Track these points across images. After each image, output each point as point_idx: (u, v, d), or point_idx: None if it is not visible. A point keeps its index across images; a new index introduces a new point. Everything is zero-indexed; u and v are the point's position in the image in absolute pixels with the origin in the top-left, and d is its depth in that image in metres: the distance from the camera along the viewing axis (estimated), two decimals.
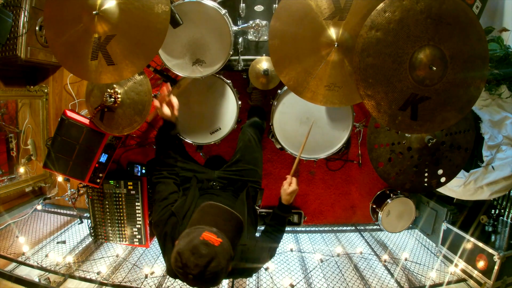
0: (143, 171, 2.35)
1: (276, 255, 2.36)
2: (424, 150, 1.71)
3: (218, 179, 1.58)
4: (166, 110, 1.37)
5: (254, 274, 2.16)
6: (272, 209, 1.50)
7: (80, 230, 2.61)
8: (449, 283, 2.13)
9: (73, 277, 2.03)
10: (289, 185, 1.43)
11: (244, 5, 1.84)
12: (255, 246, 1.25)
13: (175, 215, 1.23)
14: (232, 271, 1.11)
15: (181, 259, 0.94)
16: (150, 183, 2.36)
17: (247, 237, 1.26)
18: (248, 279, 2.12)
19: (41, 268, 2.08)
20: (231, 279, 2.11)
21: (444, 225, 2.38)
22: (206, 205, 1.09)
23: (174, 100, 1.38)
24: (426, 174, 1.75)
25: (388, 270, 2.24)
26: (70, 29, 1.38)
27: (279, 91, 1.92)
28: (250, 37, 1.90)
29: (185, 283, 1.02)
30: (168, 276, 2.09)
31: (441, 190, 2.24)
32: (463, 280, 2.14)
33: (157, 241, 1.37)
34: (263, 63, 1.86)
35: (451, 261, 2.29)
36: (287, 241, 2.59)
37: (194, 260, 0.92)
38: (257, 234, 1.50)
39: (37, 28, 2.24)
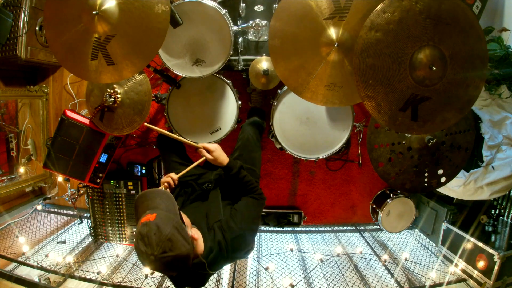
0: (143, 171, 2.35)
1: (276, 255, 2.37)
2: (424, 150, 1.71)
3: (214, 180, 1.58)
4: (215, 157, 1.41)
5: (255, 274, 2.16)
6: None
7: (80, 230, 2.61)
8: (449, 283, 2.13)
9: (73, 277, 2.03)
10: (209, 153, 1.40)
11: (244, 5, 1.84)
12: (233, 216, 1.25)
13: None
14: (222, 248, 1.14)
15: (139, 253, 0.97)
16: (150, 183, 2.36)
17: (222, 213, 1.28)
18: (248, 279, 2.12)
19: (41, 268, 2.08)
20: (231, 279, 2.11)
21: (444, 225, 2.38)
22: (135, 202, 1.13)
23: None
24: (426, 174, 1.75)
25: (388, 270, 2.24)
26: (70, 29, 1.38)
27: (279, 91, 1.92)
28: (250, 37, 1.90)
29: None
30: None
31: (441, 190, 2.24)
32: (463, 280, 2.14)
33: None
34: (263, 63, 1.86)
35: (451, 261, 2.29)
36: (287, 241, 2.59)
37: (143, 243, 0.94)
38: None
39: (37, 28, 2.24)
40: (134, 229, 2.30)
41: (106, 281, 2.02)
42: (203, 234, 1.19)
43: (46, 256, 2.22)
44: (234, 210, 1.28)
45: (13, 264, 2.09)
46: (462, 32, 1.19)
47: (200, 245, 1.13)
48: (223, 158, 1.41)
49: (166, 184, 1.39)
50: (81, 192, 2.43)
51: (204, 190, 1.50)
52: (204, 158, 1.43)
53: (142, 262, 0.99)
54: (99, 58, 1.40)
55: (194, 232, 1.13)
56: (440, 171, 1.74)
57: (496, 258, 1.93)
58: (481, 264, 2.04)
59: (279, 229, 2.74)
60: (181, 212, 1.11)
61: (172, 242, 0.95)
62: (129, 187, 2.26)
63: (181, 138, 1.50)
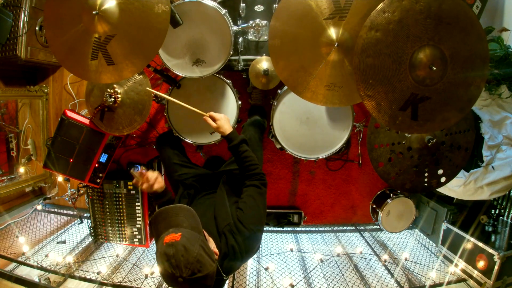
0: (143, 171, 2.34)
1: (276, 255, 2.37)
2: (424, 150, 1.71)
3: (218, 177, 1.59)
4: (153, 187, 1.38)
5: (255, 274, 2.16)
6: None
7: (80, 230, 2.61)
8: (449, 283, 2.13)
9: (73, 277, 2.03)
10: (214, 121, 1.41)
11: (244, 5, 1.84)
12: (240, 217, 1.23)
13: None
14: (235, 250, 1.13)
15: (165, 273, 0.94)
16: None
17: (230, 214, 1.25)
18: (248, 279, 2.12)
19: (41, 268, 2.08)
20: (231, 279, 2.11)
21: (444, 225, 2.38)
22: (153, 217, 1.09)
23: (152, 176, 1.37)
24: (426, 174, 1.75)
25: (388, 270, 2.24)
26: (70, 29, 1.38)
27: (279, 91, 1.92)
28: (250, 37, 1.90)
29: None
30: None
31: (441, 190, 2.24)
32: (463, 280, 2.14)
33: None
34: (263, 63, 1.86)
35: (451, 261, 2.29)
36: (287, 241, 2.59)
37: (171, 264, 0.91)
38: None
39: (37, 28, 2.24)
40: (134, 229, 2.31)
41: (106, 281, 2.02)
42: (215, 240, 1.17)
43: (46, 256, 2.22)
44: (241, 211, 1.24)
45: (13, 264, 2.09)
46: (463, 32, 1.19)
47: (216, 253, 1.12)
48: (226, 128, 1.40)
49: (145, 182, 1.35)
50: (81, 192, 2.43)
51: (207, 191, 1.50)
52: None
53: (168, 283, 0.96)
54: (99, 58, 1.40)
55: (213, 245, 1.12)
56: (440, 171, 1.74)
57: (496, 258, 1.93)
58: (481, 264, 2.04)
59: (279, 229, 2.74)
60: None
61: (201, 263, 0.93)
62: (129, 187, 2.26)
63: (187, 106, 1.44)
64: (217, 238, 1.18)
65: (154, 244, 1.43)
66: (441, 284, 2.12)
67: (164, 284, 2.03)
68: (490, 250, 1.98)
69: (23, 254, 2.20)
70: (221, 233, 1.19)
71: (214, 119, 1.40)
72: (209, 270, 0.96)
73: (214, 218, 1.27)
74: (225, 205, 1.32)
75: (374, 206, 2.64)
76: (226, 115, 1.93)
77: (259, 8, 1.86)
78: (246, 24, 1.84)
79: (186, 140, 1.94)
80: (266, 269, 2.18)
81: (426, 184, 1.76)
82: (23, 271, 2.04)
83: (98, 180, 2.18)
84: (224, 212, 1.28)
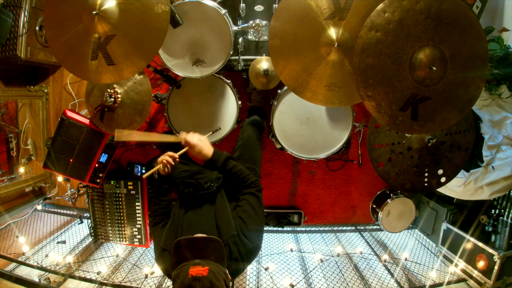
0: (143, 171, 2.35)
1: (276, 255, 2.37)
2: (424, 150, 1.71)
3: (216, 180, 1.58)
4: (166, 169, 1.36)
5: (255, 275, 2.16)
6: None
7: (80, 230, 2.61)
8: (449, 283, 2.13)
9: (73, 277, 2.03)
10: (192, 136, 1.35)
11: (244, 5, 1.84)
12: (243, 228, 1.24)
13: (167, 250, 1.24)
14: (239, 261, 1.15)
15: None
16: (150, 183, 2.36)
17: (234, 225, 1.25)
18: (248, 279, 2.12)
19: (41, 268, 2.08)
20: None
21: (444, 225, 2.38)
22: (177, 243, 1.07)
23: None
24: (426, 174, 1.75)
25: (388, 270, 2.24)
26: (70, 29, 1.38)
27: (279, 91, 1.92)
28: (250, 37, 1.90)
29: None
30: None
31: (441, 190, 2.24)
32: (463, 280, 2.14)
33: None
34: (263, 63, 1.86)
35: (451, 261, 2.29)
36: (287, 241, 2.59)
37: None
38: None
39: (37, 28, 2.24)
40: (134, 229, 2.31)
41: (106, 281, 2.02)
42: None
43: (46, 256, 2.21)
44: (242, 222, 1.25)
45: (13, 264, 2.09)
46: (463, 32, 1.19)
47: (230, 279, 1.12)
48: (207, 150, 1.32)
49: (165, 161, 1.32)
50: (81, 192, 2.43)
51: (207, 191, 1.48)
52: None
53: None
54: (99, 58, 1.40)
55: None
56: (440, 171, 1.74)
57: (496, 258, 1.93)
58: (481, 264, 2.04)
59: (279, 229, 2.74)
60: None
61: None
62: (129, 187, 2.26)
63: (154, 169, 1.38)
64: None
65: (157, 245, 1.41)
66: (441, 284, 2.12)
67: (164, 284, 2.04)
68: (490, 250, 1.98)
69: (23, 254, 2.20)
70: (225, 244, 1.18)
71: (190, 146, 1.32)
72: None
73: (216, 226, 1.27)
74: (227, 213, 1.30)
75: (374, 206, 2.64)
76: (226, 115, 1.95)
77: (259, 8, 1.86)
78: (246, 24, 1.84)
79: None
80: (266, 269, 2.18)
81: (426, 184, 1.76)
82: (23, 271, 2.04)
83: (98, 180, 2.18)
84: (227, 221, 1.27)
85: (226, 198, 1.39)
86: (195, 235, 1.10)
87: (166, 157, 1.31)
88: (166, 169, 1.34)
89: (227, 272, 1.03)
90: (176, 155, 1.32)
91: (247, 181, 1.36)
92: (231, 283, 1.11)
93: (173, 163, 1.33)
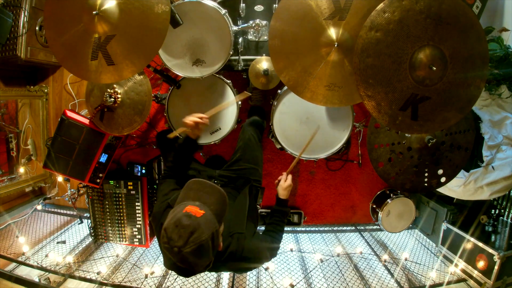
0: (143, 171, 2.34)
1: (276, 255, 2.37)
2: (424, 150, 1.71)
3: (219, 177, 1.58)
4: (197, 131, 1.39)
5: (255, 275, 2.16)
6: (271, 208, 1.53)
7: (80, 230, 2.61)
8: (449, 283, 2.13)
9: (73, 277, 2.03)
10: (285, 181, 1.48)
11: (244, 5, 1.84)
12: (254, 239, 1.26)
13: (171, 207, 1.22)
14: (229, 258, 1.13)
15: (166, 234, 0.95)
16: (150, 183, 2.36)
17: (246, 229, 1.26)
18: (248, 279, 2.12)
19: (41, 268, 2.08)
20: (230, 280, 2.11)
21: (444, 225, 2.38)
22: (190, 182, 1.10)
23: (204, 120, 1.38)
24: (426, 174, 1.75)
25: (388, 270, 2.24)
26: (70, 29, 1.38)
27: (279, 91, 1.92)
28: (250, 37, 1.90)
29: (185, 283, 1.02)
30: (168, 276, 2.09)
31: (441, 190, 2.24)
32: (463, 280, 2.14)
33: (156, 237, 1.36)
34: (263, 63, 1.86)
35: (451, 261, 2.29)
36: (287, 241, 2.59)
37: (178, 232, 0.92)
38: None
39: (37, 28, 2.24)
40: (134, 229, 2.31)
41: (106, 281, 2.02)
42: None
43: (46, 256, 2.22)
44: (257, 234, 1.32)
45: (13, 264, 2.09)
46: (463, 32, 1.19)
47: (220, 247, 1.12)
48: (286, 193, 1.47)
49: (191, 123, 1.34)
50: (81, 192, 2.43)
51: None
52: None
53: (160, 240, 0.98)
54: (99, 58, 1.40)
55: (221, 239, 1.11)
56: (440, 171, 1.74)
57: (496, 258, 1.93)
58: (481, 264, 2.04)
59: None
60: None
61: (201, 250, 0.94)
62: (129, 187, 2.26)
63: (180, 130, 1.46)
64: (224, 236, 1.19)
65: (156, 237, 1.40)
66: (441, 284, 2.12)
67: (164, 285, 2.04)
68: (490, 250, 1.98)
69: (23, 254, 2.20)
70: (231, 234, 1.19)
71: (288, 182, 1.48)
72: (203, 260, 0.98)
73: (229, 219, 1.26)
74: (244, 215, 1.34)
75: (374, 206, 2.64)
76: (226, 115, 1.95)
77: (259, 8, 1.86)
78: (246, 24, 1.84)
79: None
80: (266, 269, 2.18)
81: (426, 184, 1.76)
82: (23, 271, 2.04)
83: (98, 180, 2.18)
84: (241, 220, 1.30)
85: (248, 201, 1.43)
86: (208, 181, 1.10)
87: (195, 118, 1.33)
88: (196, 130, 1.37)
89: (218, 229, 1.02)
90: (206, 116, 1.36)
91: (276, 226, 1.44)
92: (220, 243, 1.09)
93: (206, 123, 1.36)
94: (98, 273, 2.08)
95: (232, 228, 1.21)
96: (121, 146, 2.46)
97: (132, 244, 2.37)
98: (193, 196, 1.04)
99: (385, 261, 2.31)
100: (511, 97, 2.11)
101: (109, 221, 2.33)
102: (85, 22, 1.36)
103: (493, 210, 2.36)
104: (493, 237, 2.12)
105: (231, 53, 1.71)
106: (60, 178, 2.66)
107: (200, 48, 1.72)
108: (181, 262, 0.96)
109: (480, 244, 2.06)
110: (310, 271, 2.22)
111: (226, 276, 2.15)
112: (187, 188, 1.09)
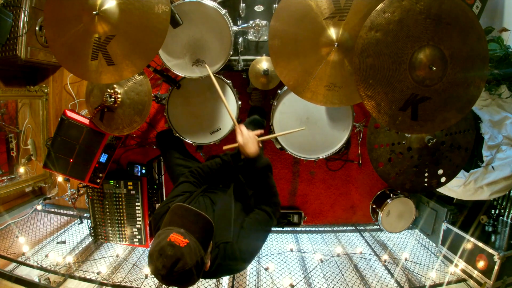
0: (143, 171, 2.35)
1: (276, 255, 2.37)
2: (424, 150, 1.71)
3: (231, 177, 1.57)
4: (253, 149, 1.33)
5: (255, 275, 2.16)
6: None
7: (80, 230, 2.61)
8: (449, 283, 2.13)
9: (73, 277, 2.03)
10: (241, 132, 1.34)
11: (244, 5, 1.83)
12: (243, 239, 1.18)
13: None
14: (218, 269, 1.12)
15: (151, 260, 0.96)
16: (150, 183, 2.36)
17: (232, 233, 1.19)
18: (248, 279, 2.12)
19: (41, 268, 2.08)
20: (230, 280, 2.11)
21: (444, 225, 2.38)
22: (175, 207, 1.08)
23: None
24: (426, 174, 1.75)
25: (388, 270, 2.24)
26: (70, 29, 1.38)
27: (279, 91, 1.92)
28: (250, 37, 1.90)
29: None
30: None
31: (441, 190, 2.24)
32: (463, 280, 2.14)
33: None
34: (263, 63, 1.86)
35: (451, 261, 2.29)
36: (287, 241, 2.59)
37: (162, 261, 0.93)
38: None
39: (37, 28, 2.24)
40: (134, 229, 2.31)
41: (106, 281, 2.02)
42: None
43: (46, 256, 2.22)
44: (243, 231, 1.20)
45: (13, 264, 2.09)
46: (463, 32, 1.19)
47: (206, 268, 1.09)
48: (253, 150, 1.31)
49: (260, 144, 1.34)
50: (81, 192, 2.44)
51: (207, 189, 1.46)
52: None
53: (148, 264, 0.99)
54: (99, 58, 1.39)
55: (208, 258, 1.09)
56: (440, 171, 1.74)
57: (496, 258, 1.93)
58: (481, 264, 2.04)
59: (279, 229, 2.74)
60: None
61: (185, 278, 0.95)
62: (129, 187, 2.27)
63: (228, 107, 1.46)
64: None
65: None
66: (441, 284, 2.12)
67: (164, 285, 2.03)
68: (490, 250, 1.98)
69: (23, 254, 2.20)
70: (216, 246, 1.14)
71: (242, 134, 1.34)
72: (189, 284, 1.00)
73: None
74: (230, 218, 1.25)
75: (374, 206, 2.64)
76: (226, 115, 1.95)
77: (259, 8, 1.86)
78: (246, 24, 1.84)
79: (186, 140, 1.94)
80: (266, 269, 2.18)
81: (426, 184, 1.76)
82: (23, 271, 2.04)
83: (98, 180, 2.18)
84: (226, 227, 1.21)
85: (233, 200, 1.35)
86: (194, 208, 1.07)
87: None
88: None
89: (204, 257, 1.01)
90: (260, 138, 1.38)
91: (271, 197, 1.32)
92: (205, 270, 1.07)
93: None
94: (98, 273, 2.08)
95: (217, 238, 1.16)
96: (121, 146, 2.46)
97: (132, 244, 2.37)
98: (178, 221, 1.03)
99: (385, 261, 2.32)
100: (511, 97, 2.11)
101: (109, 221, 2.33)
102: (85, 22, 1.36)
103: (493, 210, 2.36)
104: (493, 237, 2.13)
105: (231, 53, 1.71)
106: (60, 178, 2.66)
107: (200, 48, 1.72)
108: (167, 285, 1.01)
109: (480, 244, 2.06)
110: (310, 271, 2.22)
111: (226, 276, 2.16)
112: (172, 212, 1.07)
